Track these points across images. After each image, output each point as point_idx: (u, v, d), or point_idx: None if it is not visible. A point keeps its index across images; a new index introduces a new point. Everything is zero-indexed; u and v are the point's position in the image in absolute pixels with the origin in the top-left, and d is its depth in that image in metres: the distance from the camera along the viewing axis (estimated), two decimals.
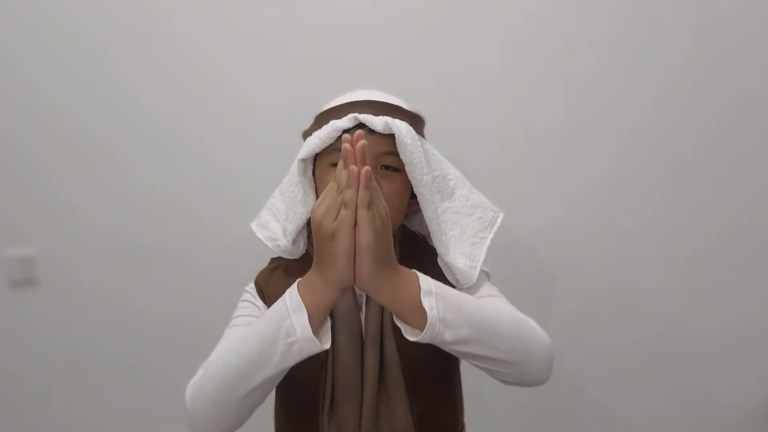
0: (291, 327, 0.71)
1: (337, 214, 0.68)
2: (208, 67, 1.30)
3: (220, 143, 1.32)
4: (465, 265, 0.87)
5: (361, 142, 0.68)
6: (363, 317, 0.87)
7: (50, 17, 1.29)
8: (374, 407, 0.84)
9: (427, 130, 0.95)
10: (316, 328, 0.72)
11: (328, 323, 0.76)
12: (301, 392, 0.87)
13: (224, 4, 1.29)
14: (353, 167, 0.67)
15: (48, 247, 1.35)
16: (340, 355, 0.85)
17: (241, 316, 0.90)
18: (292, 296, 0.73)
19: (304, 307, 0.72)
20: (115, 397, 1.39)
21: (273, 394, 0.92)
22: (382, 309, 0.86)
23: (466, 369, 0.95)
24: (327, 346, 0.73)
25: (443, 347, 0.75)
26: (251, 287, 0.94)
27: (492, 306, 0.82)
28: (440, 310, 0.72)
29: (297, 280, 0.76)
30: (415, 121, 0.90)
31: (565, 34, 1.27)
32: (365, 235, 0.68)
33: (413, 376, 0.86)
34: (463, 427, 0.96)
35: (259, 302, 0.91)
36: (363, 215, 0.68)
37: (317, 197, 0.90)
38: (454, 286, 0.85)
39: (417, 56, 1.28)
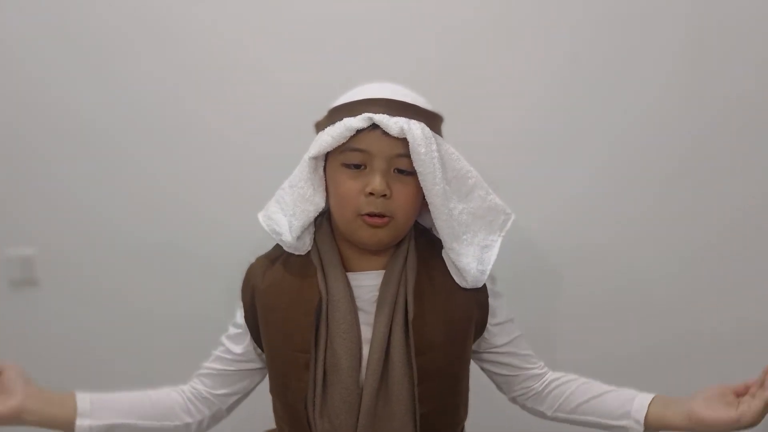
0: None
1: None
2: (211, 61, 1.30)
3: (223, 138, 1.31)
4: (476, 270, 0.88)
5: None
6: (372, 321, 0.87)
7: (53, 14, 1.29)
8: (373, 410, 0.84)
9: None
10: None
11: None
12: (287, 392, 0.88)
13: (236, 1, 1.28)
14: None
15: (48, 247, 1.35)
16: (335, 357, 0.85)
17: (226, 338, 0.96)
18: None
19: None
20: None
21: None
22: (393, 313, 0.86)
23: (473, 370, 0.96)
24: None
25: None
26: (241, 295, 0.95)
27: None
28: None
29: None
30: (432, 121, 0.88)
31: (565, 34, 1.28)
32: None
33: (424, 381, 0.85)
34: (462, 430, 0.97)
35: (241, 321, 0.94)
36: None
37: (327, 195, 0.89)
38: (453, 287, 0.89)
39: (420, 55, 1.28)
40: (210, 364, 0.96)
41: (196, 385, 0.95)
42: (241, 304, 0.94)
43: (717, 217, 1.31)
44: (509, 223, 0.93)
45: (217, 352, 0.96)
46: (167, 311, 1.36)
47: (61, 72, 1.30)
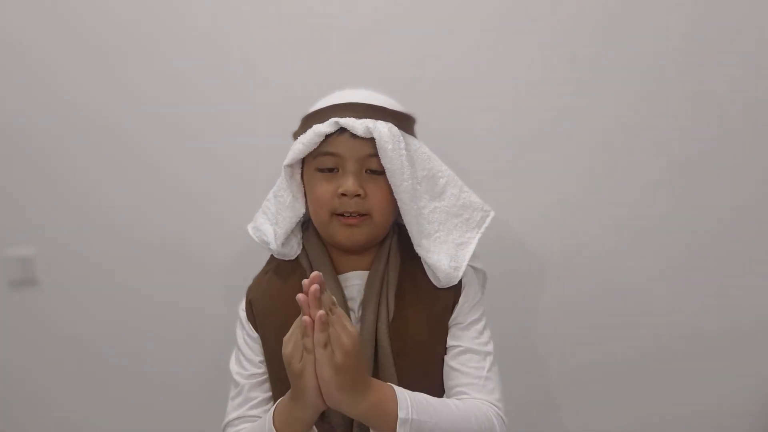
0: None
1: (302, 356, 0.75)
2: (213, 64, 1.29)
3: (226, 137, 1.31)
4: (449, 267, 0.88)
5: (314, 287, 0.73)
6: (359, 322, 0.88)
7: (56, 13, 1.29)
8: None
9: (416, 128, 0.94)
10: None
11: None
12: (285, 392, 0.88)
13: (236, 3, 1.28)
14: (306, 318, 0.73)
15: (48, 247, 1.35)
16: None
17: (241, 360, 0.93)
18: (266, 423, 0.81)
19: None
20: (115, 397, 1.40)
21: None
22: (377, 313, 0.87)
23: None
24: None
25: None
26: (243, 308, 0.96)
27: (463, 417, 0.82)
28: None
29: (275, 405, 0.83)
30: (402, 121, 0.89)
31: (555, 35, 1.26)
32: (325, 371, 0.75)
33: (405, 382, 0.85)
34: None
35: (251, 330, 0.94)
36: (321, 355, 0.74)
37: (306, 201, 0.92)
38: (436, 286, 0.89)
39: (408, 54, 1.27)
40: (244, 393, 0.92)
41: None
42: (249, 324, 0.94)
43: (704, 218, 1.30)
44: (488, 220, 0.93)
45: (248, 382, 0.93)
46: (167, 311, 1.36)
47: (61, 73, 1.30)
